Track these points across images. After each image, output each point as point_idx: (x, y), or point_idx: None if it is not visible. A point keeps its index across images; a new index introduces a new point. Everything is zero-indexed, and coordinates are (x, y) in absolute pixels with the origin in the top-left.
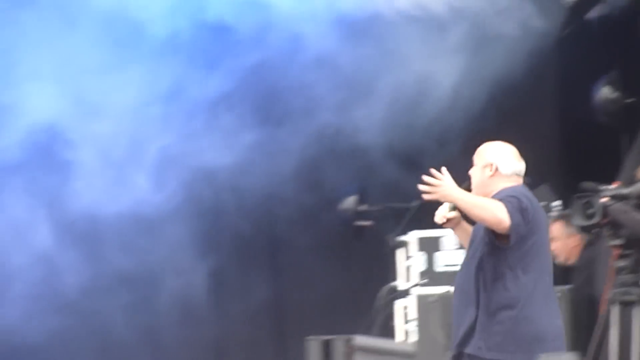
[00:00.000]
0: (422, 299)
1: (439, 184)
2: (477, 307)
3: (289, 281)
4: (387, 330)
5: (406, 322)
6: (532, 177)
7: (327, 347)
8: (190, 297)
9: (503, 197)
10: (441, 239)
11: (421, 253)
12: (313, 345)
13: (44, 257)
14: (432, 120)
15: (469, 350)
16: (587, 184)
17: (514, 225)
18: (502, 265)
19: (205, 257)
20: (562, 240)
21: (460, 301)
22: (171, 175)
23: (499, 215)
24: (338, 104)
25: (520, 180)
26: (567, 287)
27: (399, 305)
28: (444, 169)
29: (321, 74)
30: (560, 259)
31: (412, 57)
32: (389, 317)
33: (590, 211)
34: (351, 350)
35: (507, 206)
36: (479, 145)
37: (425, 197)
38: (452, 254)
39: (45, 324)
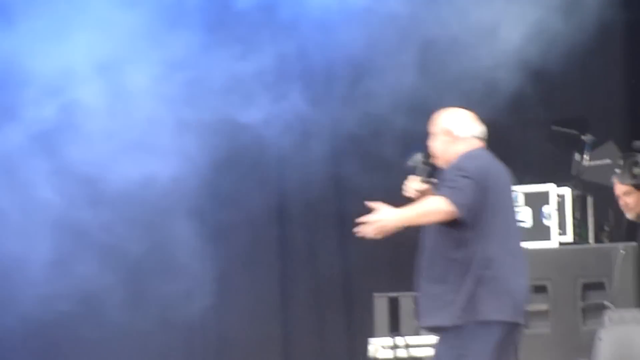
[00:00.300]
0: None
1: (377, 221)
2: (443, 274)
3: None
4: None
5: None
6: (596, 135)
7: (394, 304)
8: (260, 262)
9: (449, 172)
10: (547, 193)
11: (527, 208)
12: (380, 302)
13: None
14: (505, 77)
15: (443, 322)
16: (637, 143)
17: (462, 209)
18: (463, 230)
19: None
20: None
21: (423, 270)
22: (234, 145)
23: (444, 210)
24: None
25: (479, 142)
26: (631, 244)
27: None
28: (371, 204)
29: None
30: (631, 214)
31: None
32: None
33: (636, 170)
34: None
35: (447, 193)
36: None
37: (369, 235)
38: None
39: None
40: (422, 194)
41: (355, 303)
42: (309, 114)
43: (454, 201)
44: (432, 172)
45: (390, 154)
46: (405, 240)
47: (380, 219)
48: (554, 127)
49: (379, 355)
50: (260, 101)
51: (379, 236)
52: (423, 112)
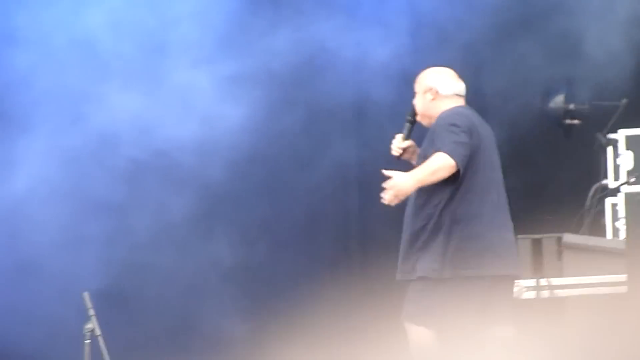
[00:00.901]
0: (630, 197)
1: (392, 186)
2: (424, 230)
3: None
4: (597, 228)
5: (616, 219)
6: None
7: (537, 245)
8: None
9: (442, 128)
10: None
11: (629, 151)
12: (524, 244)
13: None
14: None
15: (420, 273)
16: None
17: (460, 162)
18: (448, 185)
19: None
20: None
21: (406, 225)
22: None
23: (450, 165)
24: None
25: (461, 100)
26: None
27: (608, 203)
28: (387, 172)
29: None
30: None
31: None
32: (599, 215)
33: None
34: (561, 248)
35: (447, 148)
36: None
37: (389, 203)
38: None
39: None
40: (405, 151)
41: None
42: None
43: (456, 155)
44: (412, 129)
45: None
46: (547, 182)
47: (396, 184)
48: None
49: (522, 297)
50: None
51: (397, 201)
52: None
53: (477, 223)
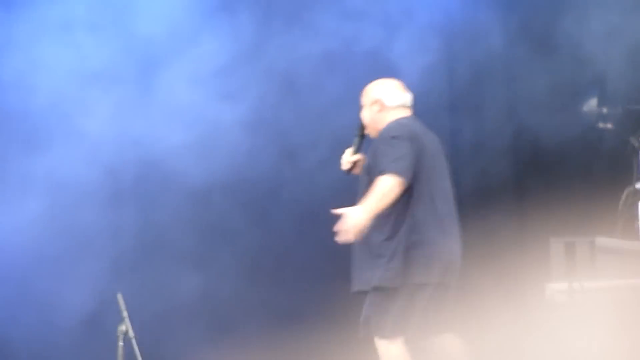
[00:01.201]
0: None
1: (349, 227)
2: (374, 238)
3: (532, 182)
4: (630, 232)
5: None
6: None
7: (571, 248)
8: None
9: (383, 142)
10: None
11: None
12: (557, 246)
13: None
14: None
15: (375, 283)
16: None
17: (405, 175)
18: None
19: None
20: None
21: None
22: None
23: (394, 186)
24: None
25: (406, 111)
26: None
27: None
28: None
29: None
30: None
31: None
32: (632, 218)
33: None
34: (594, 251)
35: (389, 167)
36: None
37: (345, 239)
38: None
39: None
40: (355, 165)
41: (530, 247)
42: None
43: (399, 171)
44: (361, 142)
45: None
46: (583, 184)
47: (351, 223)
48: None
49: (555, 300)
50: None
51: (357, 237)
52: None
53: (424, 232)
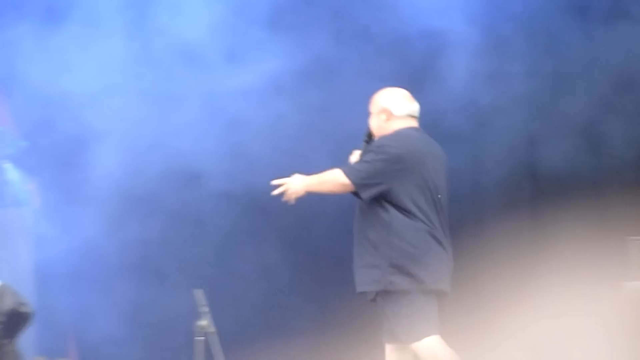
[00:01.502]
0: None
1: (285, 183)
2: (366, 250)
3: (609, 181)
4: None
5: None
6: None
7: None
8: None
9: (374, 147)
10: None
11: None
12: (635, 245)
13: None
14: None
15: (373, 288)
16: None
17: (357, 184)
18: (383, 204)
19: None
20: None
21: (355, 246)
22: None
23: (339, 182)
24: None
25: (413, 121)
26: None
27: None
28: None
29: None
30: None
31: None
32: None
33: None
34: None
35: (348, 168)
36: None
37: (283, 198)
38: None
39: None
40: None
41: (608, 246)
42: None
43: (352, 176)
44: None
45: None
46: None
47: (287, 183)
48: None
49: (632, 298)
50: None
51: (292, 200)
52: None
53: (414, 243)
